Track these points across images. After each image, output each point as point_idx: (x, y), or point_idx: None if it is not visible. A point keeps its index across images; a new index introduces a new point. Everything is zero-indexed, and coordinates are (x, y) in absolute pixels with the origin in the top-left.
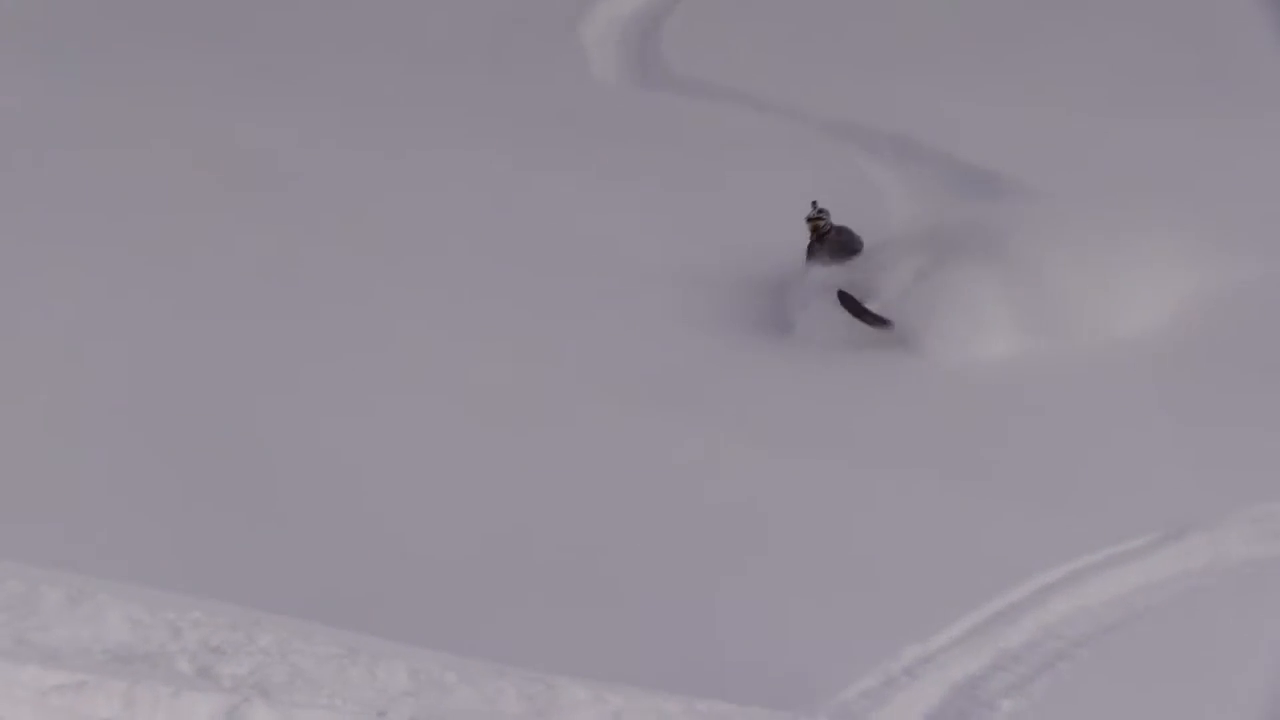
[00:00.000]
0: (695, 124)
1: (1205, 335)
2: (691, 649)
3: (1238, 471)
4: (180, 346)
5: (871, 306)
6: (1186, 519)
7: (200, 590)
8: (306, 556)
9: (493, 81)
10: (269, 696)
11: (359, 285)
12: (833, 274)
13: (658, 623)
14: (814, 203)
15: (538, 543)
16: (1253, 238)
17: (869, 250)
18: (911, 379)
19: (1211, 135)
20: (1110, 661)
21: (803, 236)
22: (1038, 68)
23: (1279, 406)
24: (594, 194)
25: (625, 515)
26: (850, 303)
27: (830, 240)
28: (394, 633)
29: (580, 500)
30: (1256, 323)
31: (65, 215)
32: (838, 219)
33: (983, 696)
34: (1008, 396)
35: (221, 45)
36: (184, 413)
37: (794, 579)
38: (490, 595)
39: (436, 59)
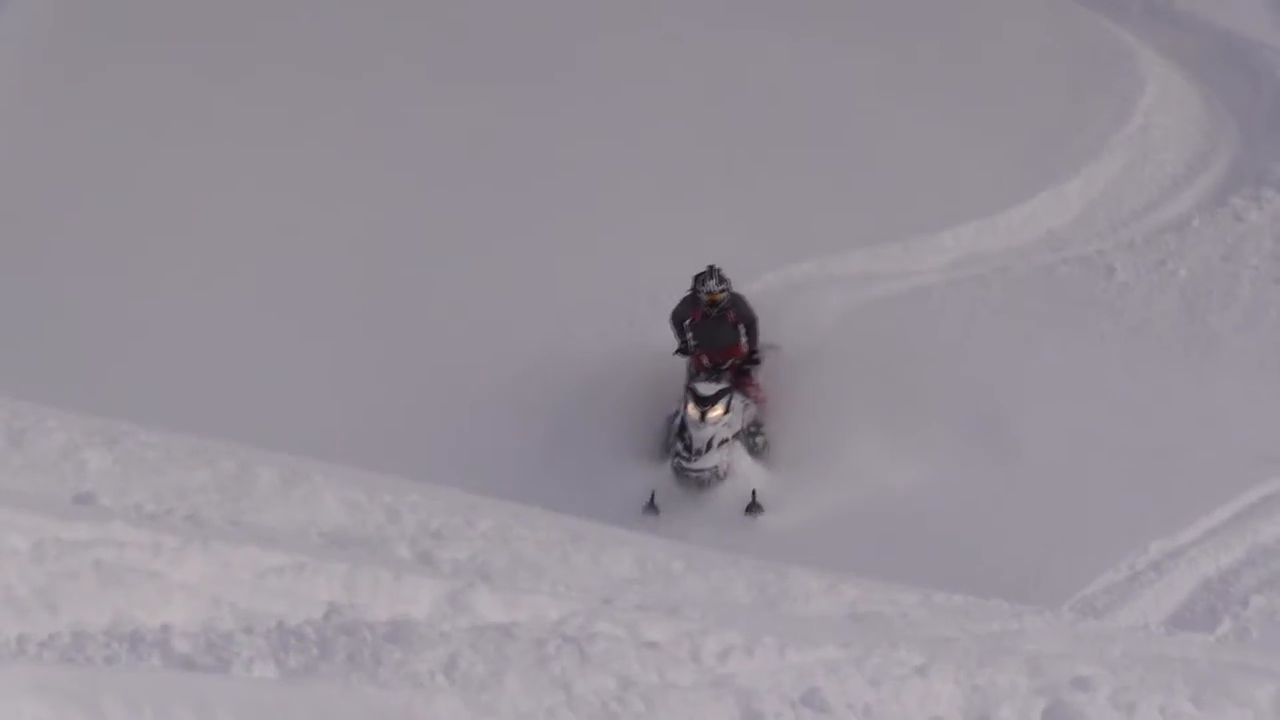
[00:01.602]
0: None
1: None
2: (929, 543)
3: None
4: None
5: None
6: None
7: (414, 475)
8: (516, 445)
9: None
10: (491, 582)
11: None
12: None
13: (895, 517)
14: (712, 267)
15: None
16: None
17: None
18: None
19: None
20: None
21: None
22: None
23: None
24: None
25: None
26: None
27: (719, 319)
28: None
29: None
30: None
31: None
32: None
33: (1234, 592)
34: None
35: None
36: (392, 293)
37: (1037, 473)
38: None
39: None
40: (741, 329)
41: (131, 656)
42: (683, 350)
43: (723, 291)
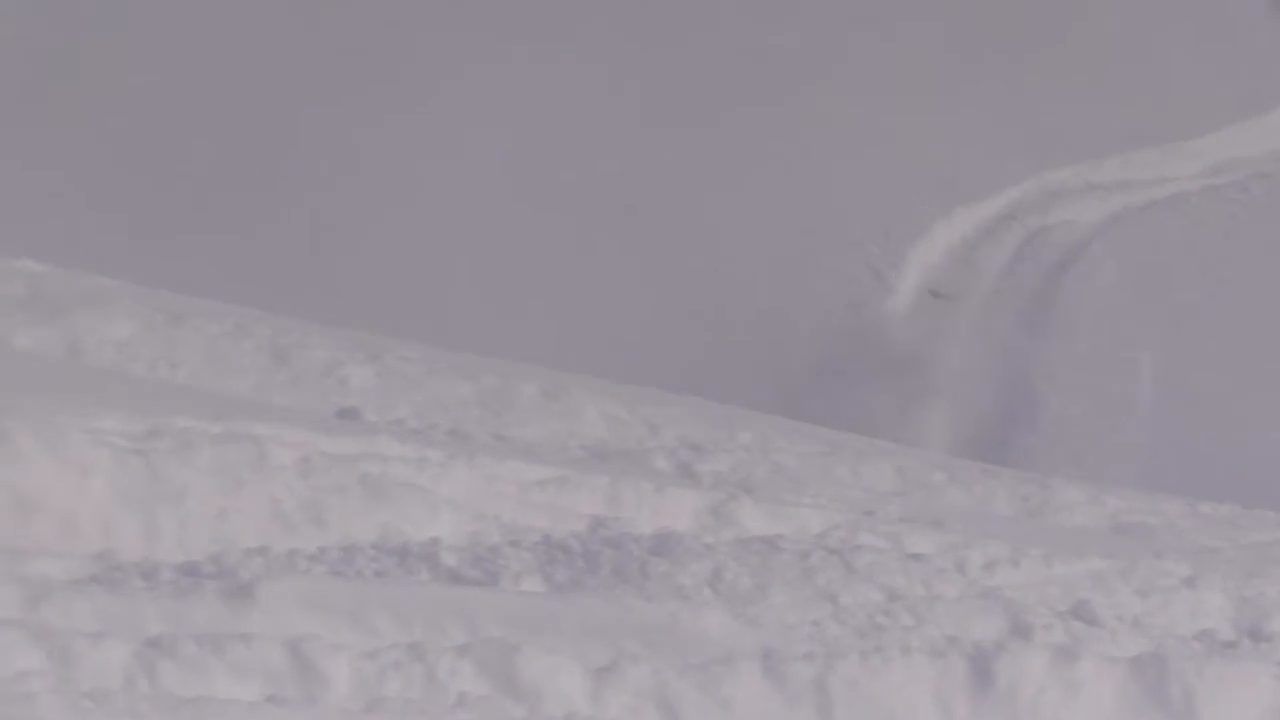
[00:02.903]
0: None
1: None
2: (1195, 450)
3: None
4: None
5: None
6: None
7: (671, 387)
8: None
9: None
10: (753, 494)
11: None
12: None
13: (1160, 423)
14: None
15: None
16: None
17: None
18: None
19: None
20: None
21: None
22: None
23: None
24: None
25: None
26: None
27: None
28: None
29: None
30: None
31: None
32: None
33: None
34: None
35: None
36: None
37: None
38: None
39: None
40: None
41: (400, 570)
42: None
43: None
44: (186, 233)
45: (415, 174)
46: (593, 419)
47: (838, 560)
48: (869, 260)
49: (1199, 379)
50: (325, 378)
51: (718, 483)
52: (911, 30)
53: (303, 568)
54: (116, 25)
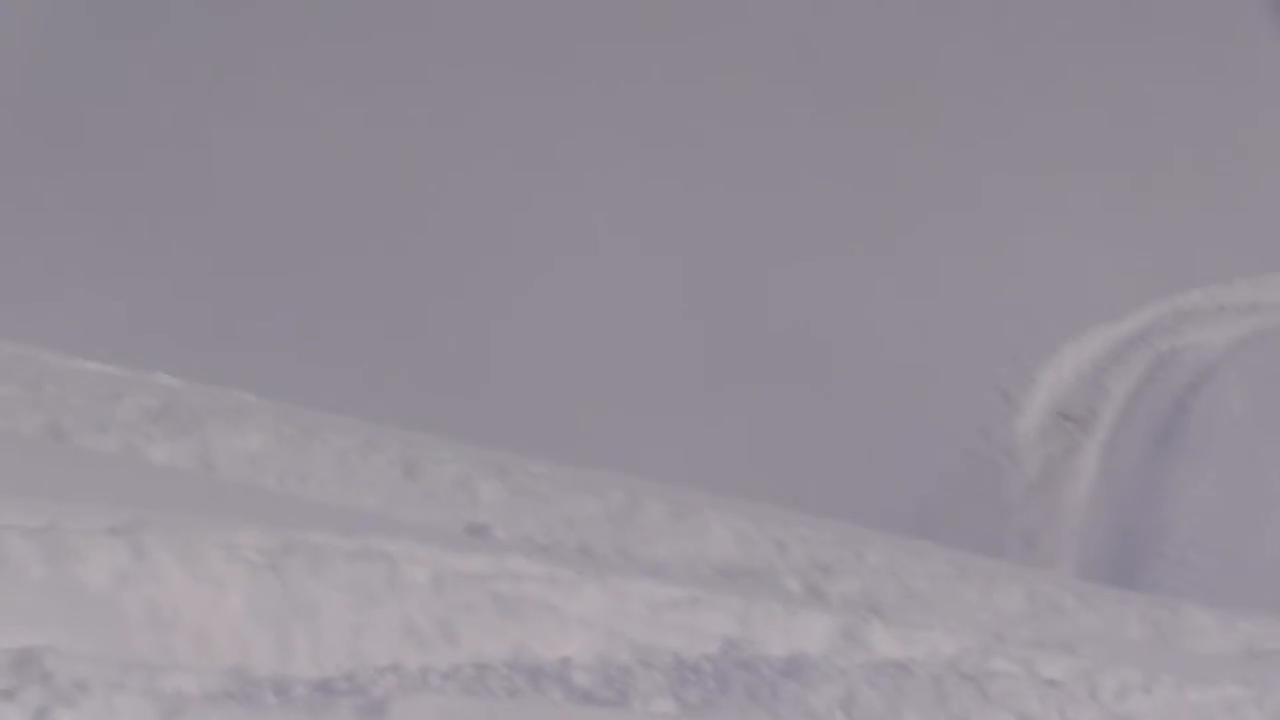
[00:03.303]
0: None
1: None
2: None
3: None
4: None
5: None
6: None
7: (803, 507)
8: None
9: None
10: (883, 616)
11: None
12: None
13: None
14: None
15: None
16: None
17: None
18: None
19: None
20: None
21: None
22: None
23: None
24: None
25: None
26: None
27: None
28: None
29: None
30: None
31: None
32: None
33: None
34: None
35: None
36: (744, 310)
37: None
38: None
39: None
40: None
41: (532, 689)
42: None
43: None
44: (316, 348)
45: (540, 291)
46: (721, 538)
47: (971, 685)
48: (998, 382)
49: None
50: (455, 493)
51: (848, 604)
52: (1041, 151)
53: (436, 685)
54: (246, 138)
